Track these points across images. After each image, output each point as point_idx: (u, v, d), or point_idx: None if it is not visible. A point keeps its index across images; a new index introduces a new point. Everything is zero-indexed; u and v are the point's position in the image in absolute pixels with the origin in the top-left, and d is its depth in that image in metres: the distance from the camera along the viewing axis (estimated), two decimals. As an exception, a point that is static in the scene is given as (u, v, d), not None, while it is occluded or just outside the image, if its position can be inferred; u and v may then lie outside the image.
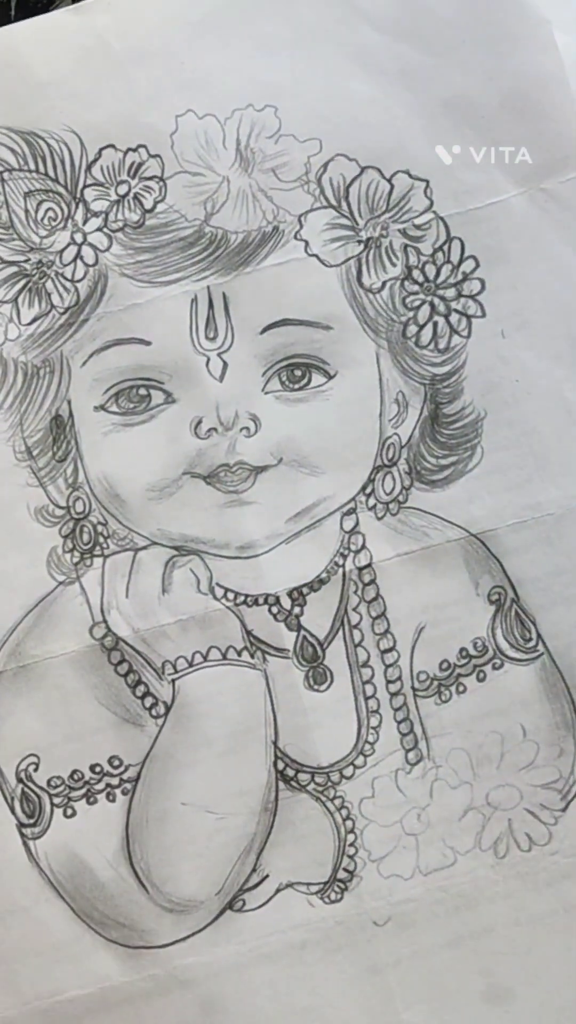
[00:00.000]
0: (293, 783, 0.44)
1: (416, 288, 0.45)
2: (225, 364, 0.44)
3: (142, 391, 0.44)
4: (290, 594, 0.45)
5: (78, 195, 0.44)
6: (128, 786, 0.44)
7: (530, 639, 0.45)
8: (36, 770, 0.44)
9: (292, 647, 0.45)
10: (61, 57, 0.44)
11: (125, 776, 0.44)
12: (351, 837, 0.44)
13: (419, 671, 0.45)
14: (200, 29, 0.44)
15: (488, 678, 0.45)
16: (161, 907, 0.44)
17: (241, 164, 0.44)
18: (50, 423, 0.45)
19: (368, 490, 0.45)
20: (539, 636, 0.45)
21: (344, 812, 0.44)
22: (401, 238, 0.44)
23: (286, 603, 0.45)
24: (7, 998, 0.44)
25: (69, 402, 0.45)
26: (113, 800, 0.44)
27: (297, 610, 0.45)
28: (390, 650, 0.45)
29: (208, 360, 0.44)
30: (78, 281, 0.44)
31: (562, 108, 0.44)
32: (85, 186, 0.44)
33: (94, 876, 0.44)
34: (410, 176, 0.44)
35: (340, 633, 0.45)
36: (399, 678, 0.45)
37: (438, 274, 0.45)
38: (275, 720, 0.44)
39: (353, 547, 0.45)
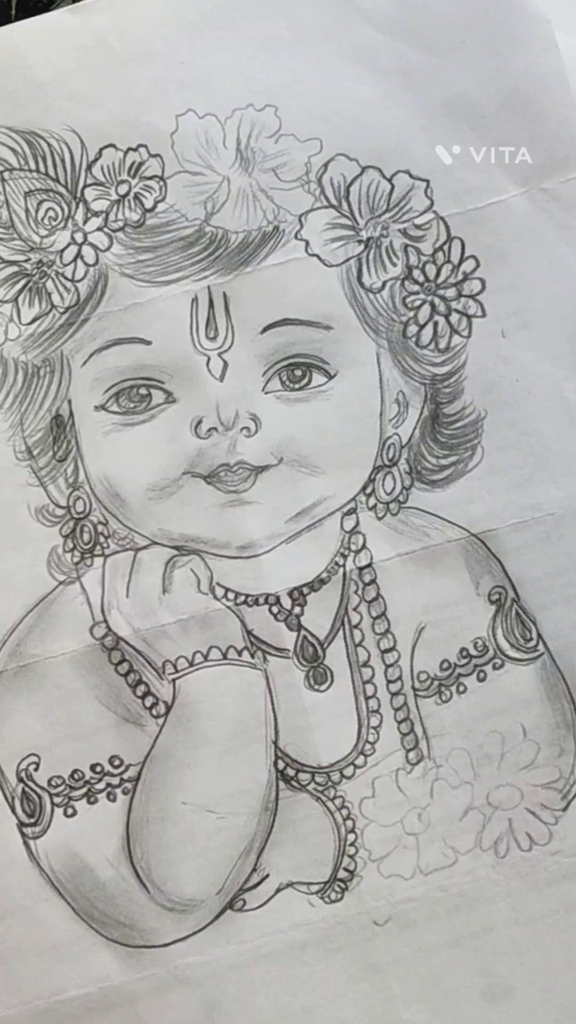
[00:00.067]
0: (293, 783, 0.44)
1: (416, 288, 0.45)
2: (225, 364, 0.44)
3: (142, 391, 0.44)
4: (290, 594, 0.45)
5: (78, 195, 0.44)
6: (129, 786, 0.44)
7: (531, 639, 0.45)
8: (37, 770, 0.44)
9: (292, 647, 0.45)
10: (61, 57, 0.44)
11: (126, 776, 0.44)
12: (351, 837, 0.44)
13: (419, 671, 0.45)
14: (200, 29, 0.44)
15: (488, 678, 0.45)
16: (161, 906, 0.44)
17: (241, 164, 0.44)
18: (50, 423, 0.45)
19: (368, 490, 0.45)
20: (539, 636, 0.45)
21: (344, 812, 0.44)
22: (401, 238, 0.44)
23: (286, 603, 0.45)
24: (7, 997, 0.44)
25: (69, 402, 0.45)
26: (114, 800, 0.44)
27: (297, 610, 0.45)
28: (390, 650, 0.45)
29: (208, 360, 0.44)
30: (78, 281, 0.44)
31: (562, 108, 0.44)
32: (85, 186, 0.44)
33: (95, 875, 0.44)
34: (410, 176, 0.44)
35: (340, 633, 0.45)
36: (399, 678, 0.45)
37: (438, 274, 0.45)
38: (275, 720, 0.44)
39: (353, 547, 0.45)
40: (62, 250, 0.44)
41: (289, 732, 0.44)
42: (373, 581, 0.45)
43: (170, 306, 0.44)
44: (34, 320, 0.44)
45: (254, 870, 0.44)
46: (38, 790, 0.44)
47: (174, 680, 0.44)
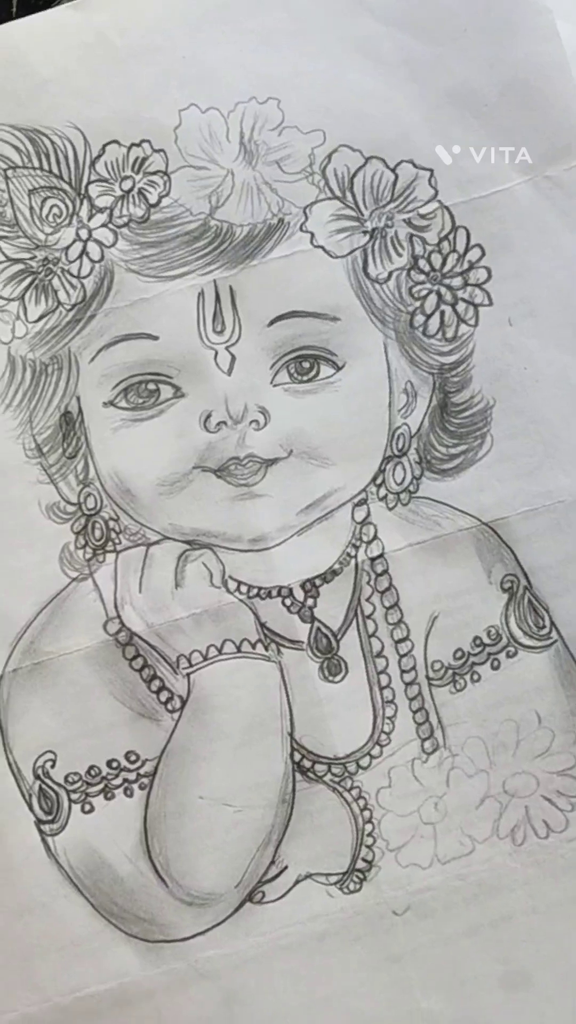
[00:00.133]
0: (310, 774, 0.45)
1: (422, 278, 0.45)
2: (233, 357, 0.44)
3: (151, 386, 0.44)
4: (303, 586, 0.45)
5: (82, 191, 0.44)
6: (145, 781, 0.44)
7: (544, 626, 0.45)
8: (53, 767, 0.44)
9: (306, 639, 0.45)
10: (63, 54, 0.44)
11: (142, 771, 0.44)
12: (369, 827, 0.45)
13: (433, 660, 0.45)
14: (201, 23, 0.44)
15: (502, 666, 0.45)
16: (180, 901, 0.44)
17: (245, 157, 0.44)
18: (59, 420, 0.45)
19: (379, 480, 0.45)
20: (552, 623, 0.45)
21: (361, 802, 0.45)
22: (406, 228, 0.44)
23: (299, 595, 0.45)
24: (28, 995, 0.44)
25: (78, 398, 0.45)
26: (130, 795, 0.44)
27: (310, 602, 0.45)
28: (404, 640, 0.45)
29: (216, 354, 0.44)
30: (84, 277, 0.44)
31: (565, 96, 0.44)
32: (89, 182, 0.44)
33: (113, 871, 0.44)
34: (414, 165, 0.44)
35: (354, 624, 0.45)
36: (413, 668, 0.45)
37: (444, 263, 0.45)
38: (291, 712, 0.44)
39: (365, 538, 0.45)
40: (67, 247, 0.44)
41: (304, 724, 0.44)
42: (385, 571, 0.45)
43: (176, 301, 0.44)
44: (41, 317, 0.44)
45: (272, 862, 0.44)
46: (55, 787, 0.44)
47: (188, 674, 0.44)
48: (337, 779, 0.45)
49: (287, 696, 0.44)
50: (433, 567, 0.45)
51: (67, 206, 0.44)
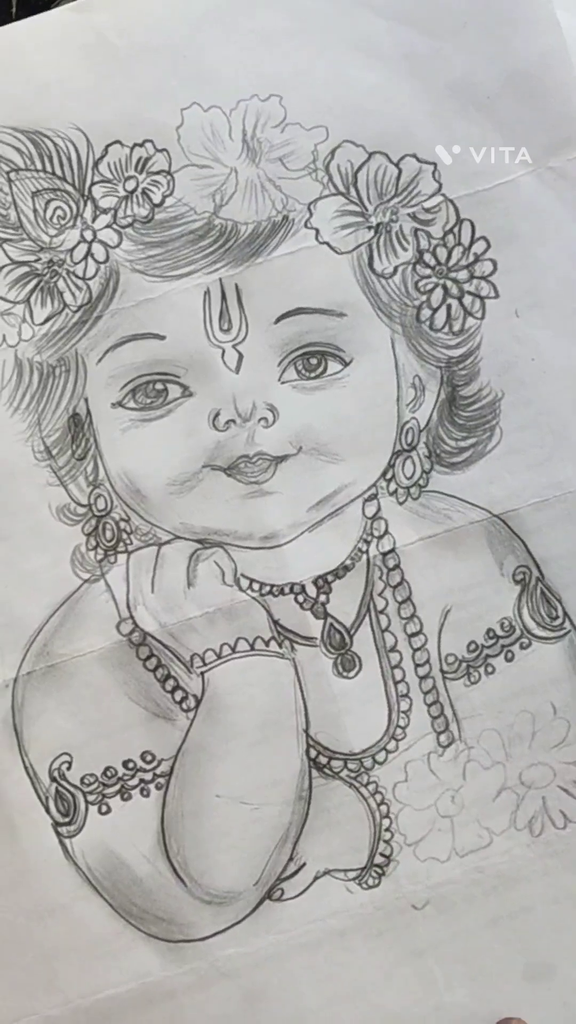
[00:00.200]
0: (326, 770, 0.45)
1: (428, 271, 0.45)
2: (240, 355, 0.44)
3: (159, 386, 0.44)
4: (315, 582, 0.45)
5: (86, 192, 0.44)
6: (162, 781, 0.44)
7: (557, 617, 0.45)
8: (69, 769, 0.44)
9: (319, 635, 0.45)
10: (63, 55, 0.44)
11: (158, 771, 0.44)
12: (386, 822, 0.45)
13: (447, 654, 0.45)
14: (201, 22, 0.44)
15: (516, 658, 0.45)
16: (200, 900, 0.44)
17: (248, 155, 0.44)
18: (68, 422, 0.45)
19: (388, 475, 0.45)
20: (565, 613, 0.45)
21: (378, 797, 0.45)
22: (411, 222, 0.44)
23: (311, 591, 0.45)
24: (49, 997, 0.44)
25: (86, 400, 0.45)
26: (147, 795, 0.44)
27: (323, 598, 0.45)
28: (417, 634, 0.45)
29: (223, 352, 0.44)
30: (90, 279, 0.44)
31: (567, 86, 0.44)
32: (93, 183, 0.44)
33: (131, 872, 0.44)
34: (417, 160, 0.44)
35: (367, 619, 0.45)
36: (427, 661, 0.45)
37: (449, 256, 0.45)
38: (306, 708, 0.44)
39: (376, 533, 0.45)
40: (72, 248, 0.44)
41: (320, 720, 0.44)
42: (397, 566, 0.45)
43: (182, 300, 0.44)
44: (47, 320, 0.44)
45: (291, 859, 0.44)
46: (71, 789, 0.44)
47: (203, 673, 0.44)
48: (353, 774, 0.45)
49: (302, 693, 0.44)
50: (445, 560, 0.45)
51: (71, 208, 0.44)
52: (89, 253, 0.44)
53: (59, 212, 0.44)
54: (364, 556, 0.45)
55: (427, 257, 0.45)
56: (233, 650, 0.44)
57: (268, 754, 0.44)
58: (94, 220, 0.44)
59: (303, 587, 0.45)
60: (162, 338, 0.44)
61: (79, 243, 0.44)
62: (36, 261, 0.44)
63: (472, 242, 0.45)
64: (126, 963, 0.44)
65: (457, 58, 0.44)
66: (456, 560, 0.45)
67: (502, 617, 0.45)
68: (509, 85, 0.44)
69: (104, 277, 0.44)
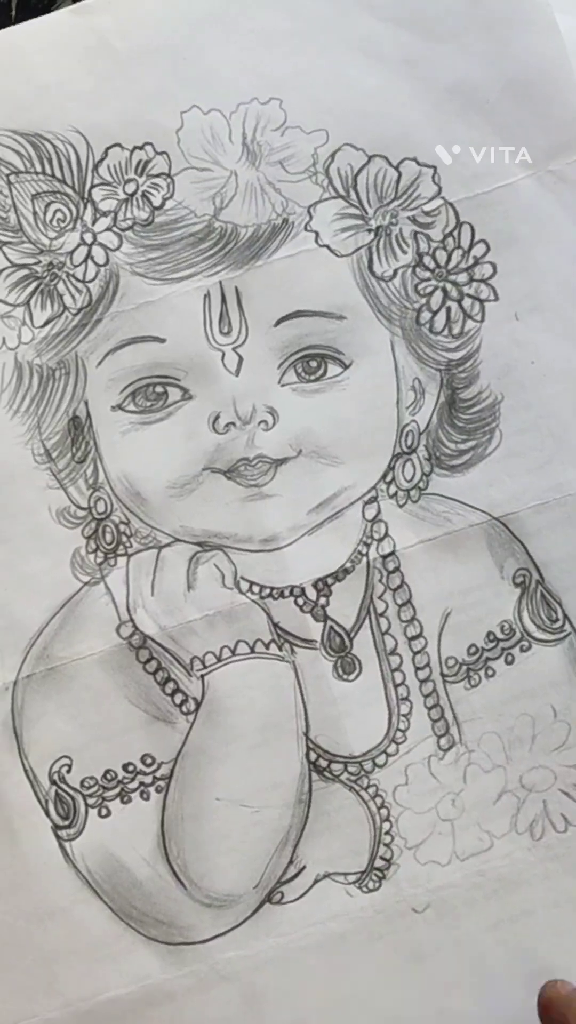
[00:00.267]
0: (326, 773, 0.44)
1: (428, 274, 0.45)
2: (240, 358, 0.44)
3: (158, 388, 0.44)
4: (315, 585, 0.45)
5: (86, 195, 0.44)
6: (162, 784, 0.44)
7: (557, 620, 0.45)
8: (69, 771, 0.44)
9: (319, 638, 0.45)
10: (63, 58, 0.44)
11: (158, 774, 0.44)
12: (386, 825, 0.44)
13: (447, 656, 0.45)
14: (201, 25, 0.44)
15: (516, 661, 0.45)
16: (199, 903, 0.44)
17: (248, 158, 0.44)
18: (68, 424, 0.45)
19: (388, 478, 0.45)
20: (566, 616, 0.45)
21: (378, 800, 0.44)
22: (411, 225, 0.44)
23: (311, 594, 0.45)
24: (49, 1000, 0.44)
25: (86, 403, 0.45)
26: (147, 798, 0.44)
27: (323, 600, 0.45)
28: (417, 637, 0.45)
29: (223, 355, 0.44)
30: (90, 281, 0.44)
31: (566, 89, 0.44)
32: (93, 186, 0.44)
33: (131, 875, 0.44)
34: (417, 163, 0.44)
35: (367, 622, 0.45)
36: (427, 664, 0.45)
37: (449, 259, 0.45)
38: (306, 711, 0.44)
39: (376, 535, 0.45)
40: (72, 251, 0.44)
41: (320, 723, 0.44)
42: (397, 569, 0.45)
43: (182, 303, 0.44)
44: (47, 323, 0.44)
45: (291, 862, 0.44)
46: (71, 792, 0.44)
47: (203, 676, 0.44)
48: (354, 778, 0.45)
49: (302, 696, 0.44)
50: (445, 563, 0.45)
51: (71, 210, 0.44)
52: (89, 256, 0.44)
53: (59, 215, 0.44)
54: (364, 559, 0.45)
55: (427, 260, 0.45)
56: (233, 653, 0.44)
57: (268, 757, 0.44)
58: (94, 223, 0.44)
59: (303, 590, 0.45)
60: (162, 341, 0.44)
61: (79, 246, 0.44)
62: (36, 264, 0.44)
63: (472, 245, 0.45)
64: (126, 966, 0.44)
65: (457, 61, 0.44)
66: (456, 563, 0.45)
67: (502, 620, 0.45)
68: (509, 89, 0.44)
69: (104, 280, 0.44)
